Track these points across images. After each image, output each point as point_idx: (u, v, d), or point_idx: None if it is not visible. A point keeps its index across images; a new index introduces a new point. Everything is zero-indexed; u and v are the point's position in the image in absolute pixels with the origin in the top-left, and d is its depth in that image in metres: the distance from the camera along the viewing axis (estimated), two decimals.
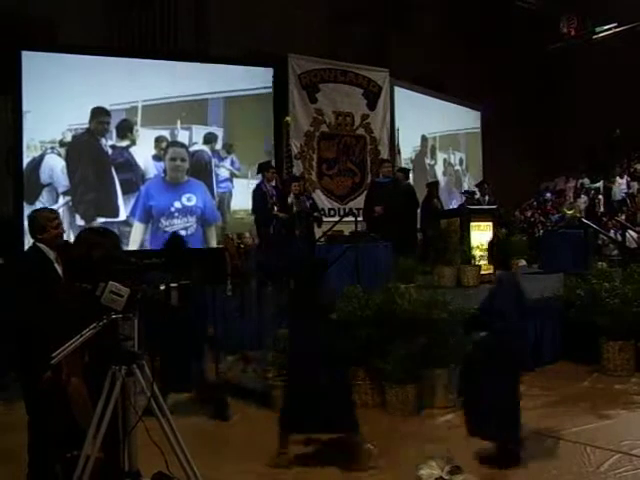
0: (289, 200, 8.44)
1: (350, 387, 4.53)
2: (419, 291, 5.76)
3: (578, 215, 12.91)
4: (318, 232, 8.65)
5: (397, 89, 13.33)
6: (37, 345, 2.92)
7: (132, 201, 10.34)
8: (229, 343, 6.27)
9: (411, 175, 13.81)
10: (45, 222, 3.61)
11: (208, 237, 10.98)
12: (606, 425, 4.71)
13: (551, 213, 15.62)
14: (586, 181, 16.40)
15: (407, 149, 13.88)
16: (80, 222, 9.92)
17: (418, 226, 10.03)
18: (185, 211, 10.72)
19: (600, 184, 15.73)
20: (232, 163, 11.26)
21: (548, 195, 17.04)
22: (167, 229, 10.51)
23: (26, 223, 9.36)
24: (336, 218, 10.60)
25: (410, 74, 13.72)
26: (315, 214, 8.88)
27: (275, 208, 8.24)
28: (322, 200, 11.63)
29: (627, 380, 5.92)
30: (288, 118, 11.07)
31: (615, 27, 15.29)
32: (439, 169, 15.08)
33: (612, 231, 12.92)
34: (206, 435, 4.53)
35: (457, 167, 15.72)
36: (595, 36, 15.74)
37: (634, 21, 14.86)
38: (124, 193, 10.26)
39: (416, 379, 5.17)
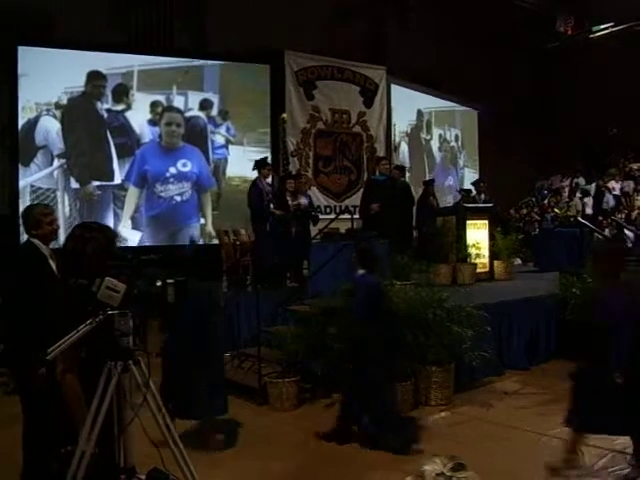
0: (286, 197, 8.42)
1: (221, 377, 4.74)
2: (415, 289, 5.77)
3: (569, 214, 12.93)
4: (314, 230, 8.64)
5: (394, 87, 13.32)
6: (32, 341, 2.91)
7: (127, 165, 10.36)
8: (226, 340, 6.26)
9: (407, 148, 13.80)
10: (40, 218, 3.58)
11: (203, 203, 10.99)
12: None
13: (547, 212, 15.62)
14: (581, 180, 16.40)
15: (402, 123, 13.90)
16: (75, 185, 9.94)
17: (414, 224, 10.04)
18: (180, 176, 10.72)
19: (592, 186, 15.73)
20: (227, 130, 11.26)
21: (545, 192, 17.04)
22: (162, 194, 10.54)
23: (21, 185, 9.41)
24: (332, 216, 10.57)
25: (407, 72, 13.70)
26: (312, 213, 8.86)
27: (271, 205, 8.22)
28: (318, 197, 11.63)
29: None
30: (284, 115, 11.04)
31: (612, 27, 15.31)
32: (434, 144, 15.10)
33: (607, 230, 12.94)
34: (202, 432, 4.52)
35: (453, 143, 15.76)
36: (592, 35, 15.77)
37: (631, 21, 14.89)
38: (119, 157, 10.28)
39: (412, 376, 5.18)
